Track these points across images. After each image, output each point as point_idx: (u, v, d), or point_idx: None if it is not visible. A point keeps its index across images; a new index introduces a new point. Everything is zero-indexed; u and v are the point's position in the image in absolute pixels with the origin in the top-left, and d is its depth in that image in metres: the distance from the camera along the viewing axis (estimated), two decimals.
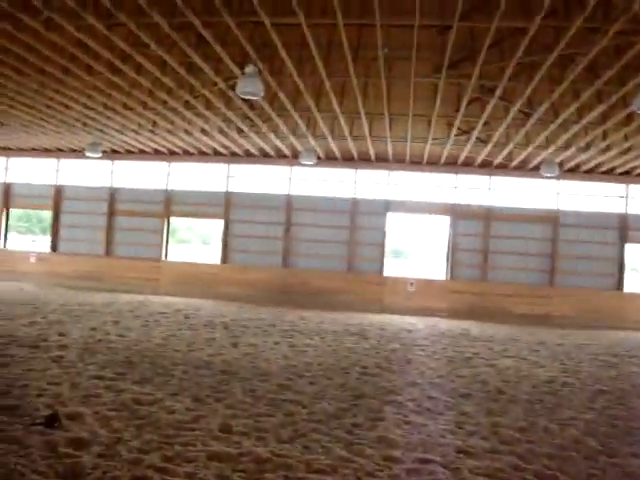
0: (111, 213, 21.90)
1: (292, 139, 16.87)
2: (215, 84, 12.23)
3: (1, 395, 6.11)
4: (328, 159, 19.82)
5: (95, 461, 4.44)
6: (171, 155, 21.19)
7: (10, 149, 22.48)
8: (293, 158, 19.65)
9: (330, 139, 16.53)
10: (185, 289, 20.54)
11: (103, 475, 4.18)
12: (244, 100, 12.84)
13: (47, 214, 24.08)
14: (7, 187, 22.97)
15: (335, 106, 12.92)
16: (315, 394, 7.11)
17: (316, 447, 5.12)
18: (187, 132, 17.10)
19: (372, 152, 18.42)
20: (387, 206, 20.42)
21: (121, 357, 8.63)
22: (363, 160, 19.80)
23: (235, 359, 9.11)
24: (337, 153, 18.87)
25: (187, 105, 13.94)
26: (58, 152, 22.05)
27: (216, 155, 20.60)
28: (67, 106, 14.79)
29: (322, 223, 20.46)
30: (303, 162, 18.58)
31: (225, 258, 21.25)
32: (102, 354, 8.78)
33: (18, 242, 29.52)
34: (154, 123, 16.42)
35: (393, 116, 14.04)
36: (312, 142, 17.14)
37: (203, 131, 16.84)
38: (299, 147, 18.01)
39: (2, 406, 5.69)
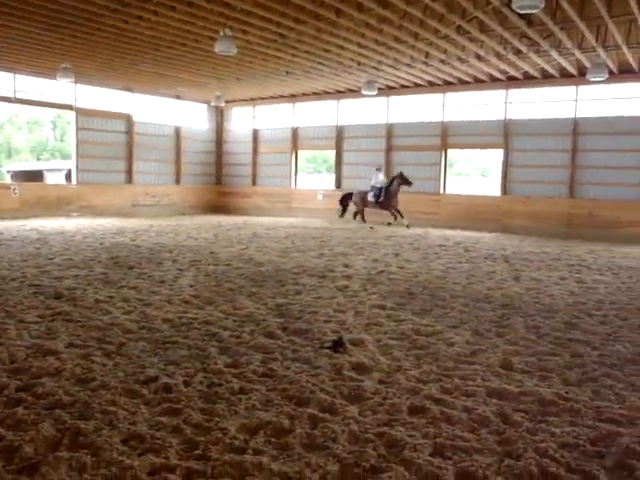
0: (389, 149, 22.49)
1: (578, 54, 15.14)
2: (489, 3, 11.45)
3: (296, 319, 6.73)
4: (622, 73, 17.44)
5: (376, 387, 4.60)
6: (446, 85, 20.74)
7: (294, 95, 24.31)
8: (579, 76, 17.70)
9: (625, 49, 14.42)
10: (464, 222, 20.34)
11: (383, 401, 4.31)
12: (521, 16, 11.84)
13: (331, 154, 25.76)
14: (295, 131, 25.07)
15: (634, 7, 11.17)
16: (607, 335, 6.41)
17: (608, 394, 4.60)
18: (461, 60, 16.47)
19: None
20: None
21: (401, 288, 8.85)
22: None
23: (517, 294, 8.68)
24: (634, 65, 16.44)
25: (460, 30, 13.38)
26: (338, 94, 23.17)
27: (493, 81, 19.63)
28: (342, 47, 15.30)
29: (616, 147, 18.22)
30: (591, 79, 16.45)
31: (505, 189, 20.42)
32: (384, 285, 9.12)
33: (307, 182, 32.09)
34: (427, 54, 16.14)
35: None
36: (602, 55, 15.10)
37: (478, 57, 16.04)
38: (586, 63, 16.07)
39: (296, 329, 6.26)
